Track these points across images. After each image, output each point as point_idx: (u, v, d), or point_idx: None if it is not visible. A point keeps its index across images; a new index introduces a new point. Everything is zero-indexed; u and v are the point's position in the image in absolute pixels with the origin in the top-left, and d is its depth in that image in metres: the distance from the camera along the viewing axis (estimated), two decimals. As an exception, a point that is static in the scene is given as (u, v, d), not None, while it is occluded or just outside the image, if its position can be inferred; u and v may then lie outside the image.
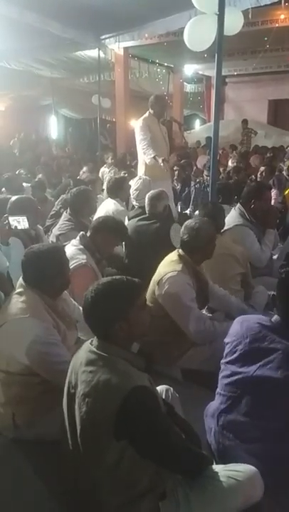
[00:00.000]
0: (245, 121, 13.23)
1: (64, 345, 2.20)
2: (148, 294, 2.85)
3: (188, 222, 2.86)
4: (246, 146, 12.60)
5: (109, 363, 1.60)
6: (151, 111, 5.25)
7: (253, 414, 1.83)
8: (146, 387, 1.59)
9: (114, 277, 1.77)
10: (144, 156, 5.18)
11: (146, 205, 4.07)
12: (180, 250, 2.80)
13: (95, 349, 1.66)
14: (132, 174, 6.17)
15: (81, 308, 2.56)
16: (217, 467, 1.73)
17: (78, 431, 1.60)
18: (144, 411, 1.54)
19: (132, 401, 1.50)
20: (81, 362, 1.67)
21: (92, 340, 1.73)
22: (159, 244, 2.91)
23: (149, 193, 4.13)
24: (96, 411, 1.54)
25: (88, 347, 1.70)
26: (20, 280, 2.26)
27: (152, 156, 5.01)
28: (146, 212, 4.04)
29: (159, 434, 1.57)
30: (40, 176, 7.45)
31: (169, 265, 2.76)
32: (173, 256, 2.80)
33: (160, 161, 4.96)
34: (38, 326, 2.09)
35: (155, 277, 2.78)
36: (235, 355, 1.94)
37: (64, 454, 1.74)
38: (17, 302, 2.16)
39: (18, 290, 2.23)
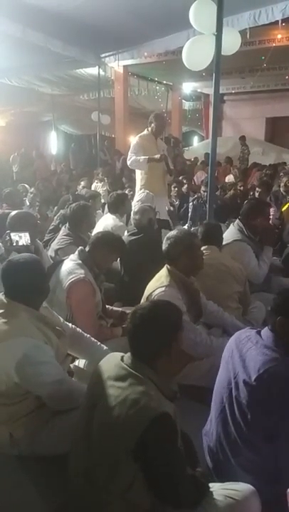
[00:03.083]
0: (242, 138, 13.33)
1: (57, 357, 2.15)
2: None
3: (167, 234, 2.90)
4: (243, 164, 12.69)
5: (141, 384, 1.58)
6: (149, 128, 5.28)
7: (239, 426, 1.80)
8: (172, 417, 1.56)
9: (162, 301, 1.77)
10: (141, 170, 5.18)
11: (131, 220, 4.21)
12: (168, 265, 2.81)
13: (127, 367, 1.64)
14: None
15: (61, 319, 2.56)
16: (214, 486, 1.71)
17: (94, 444, 1.58)
18: (166, 439, 1.52)
19: (159, 425, 1.48)
20: (108, 376, 1.65)
21: (122, 357, 1.70)
22: (149, 257, 2.93)
23: (133, 209, 4.27)
24: (119, 427, 1.52)
25: (119, 363, 1.67)
26: (0, 297, 2.15)
27: (145, 160, 5.03)
28: (134, 226, 4.15)
29: (171, 466, 1.53)
30: (31, 190, 7.48)
31: (157, 280, 2.76)
32: (162, 271, 2.81)
33: (157, 157, 4.99)
34: (26, 345, 2.00)
35: (145, 293, 2.78)
36: (224, 368, 1.95)
37: (71, 467, 1.71)
38: (1, 324, 2.05)
39: None
